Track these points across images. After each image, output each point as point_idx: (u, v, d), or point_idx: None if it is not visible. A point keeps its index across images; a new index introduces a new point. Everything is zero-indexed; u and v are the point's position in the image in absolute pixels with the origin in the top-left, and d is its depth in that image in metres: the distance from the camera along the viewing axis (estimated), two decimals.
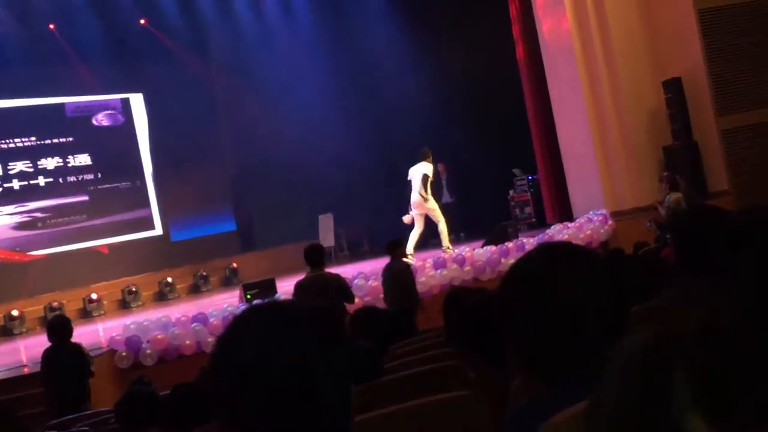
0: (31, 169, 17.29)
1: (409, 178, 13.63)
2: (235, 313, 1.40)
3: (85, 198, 17.81)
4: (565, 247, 1.69)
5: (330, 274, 8.62)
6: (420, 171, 13.42)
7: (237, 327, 1.36)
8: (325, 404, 1.28)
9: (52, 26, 17.04)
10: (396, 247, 9.97)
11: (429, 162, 13.52)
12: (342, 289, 8.49)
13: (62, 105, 17.85)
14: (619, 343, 0.71)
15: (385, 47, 17.71)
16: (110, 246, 17.73)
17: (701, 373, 0.62)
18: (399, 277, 9.68)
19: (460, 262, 11.92)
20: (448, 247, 13.38)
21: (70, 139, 17.86)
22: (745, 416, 0.60)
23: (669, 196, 11.80)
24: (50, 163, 17.53)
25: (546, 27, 15.49)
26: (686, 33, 13.80)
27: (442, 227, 13.54)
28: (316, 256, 8.48)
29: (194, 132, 17.99)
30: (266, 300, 1.45)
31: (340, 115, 17.83)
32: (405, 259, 10.69)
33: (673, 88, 13.98)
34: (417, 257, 13.03)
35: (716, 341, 0.62)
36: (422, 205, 13.44)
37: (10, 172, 17.05)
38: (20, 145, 17.32)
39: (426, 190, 13.38)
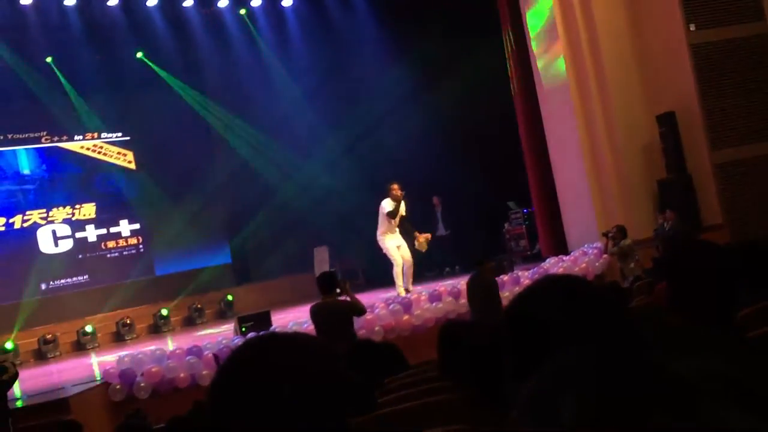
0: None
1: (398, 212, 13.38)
2: (232, 346, 1.40)
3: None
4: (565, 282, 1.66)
5: (339, 300, 9.29)
6: (381, 206, 13.23)
7: (237, 358, 1.37)
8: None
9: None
10: (484, 262, 10.76)
11: (390, 197, 13.13)
12: (351, 306, 9.20)
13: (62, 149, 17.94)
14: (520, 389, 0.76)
15: (380, 80, 17.78)
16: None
17: (585, 395, 0.66)
18: (485, 289, 10.44)
19: (455, 294, 11.92)
20: (402, 291, 12.99)
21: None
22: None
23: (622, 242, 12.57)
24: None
25: (541, 62, 15.61)
26: (679, 67, 13.92)
27: (396, 270, 13.15)
28: (328, 284, 9.11)
29: (189, 165, 17.99)
30: (263, 332, 1.43)
31: (335, 148, 17.88)
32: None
33: (667, 122, 14.06)
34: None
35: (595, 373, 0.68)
36: (381, 243, 13.26)
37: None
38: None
39: (378, 227, 13.22)
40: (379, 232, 13.19)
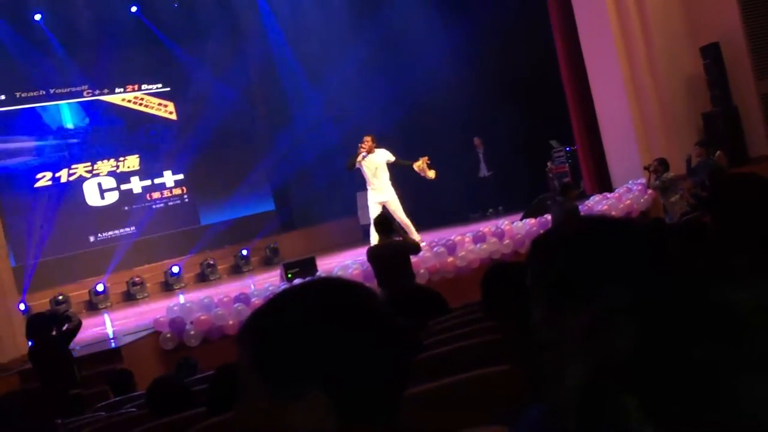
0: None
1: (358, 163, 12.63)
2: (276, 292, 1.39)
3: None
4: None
5: (397, 239, 9.31)
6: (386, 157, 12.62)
7: (276, 303, 1.36)
8: (370, 369, 1.29)
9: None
10: (569, 189, 11.48)
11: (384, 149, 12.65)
12: (409, 245, 9.26)
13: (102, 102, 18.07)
14: (555, 385, 0.74)
15: (419, 21, 17.64)
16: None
17: (648, 392, 0.65)
18: (568, 215, 10.61)
19: (500, 235, 11.89)
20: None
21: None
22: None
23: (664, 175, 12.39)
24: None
25: None
26: None
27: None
28: (385, 225, 9.23)
29: (230, 114, 18.01)
30: (304, 281, 1.43)
31: (376, 92, 17.76)
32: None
33: (711, 54, 13.79)
34: (454, 232, 12.98)
35: (654, 363, 0.66)
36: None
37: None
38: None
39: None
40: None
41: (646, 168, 12.86)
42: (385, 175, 12.50)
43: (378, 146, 12.52)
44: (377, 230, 9.24)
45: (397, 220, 12.09)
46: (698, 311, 0.67)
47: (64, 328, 8.42)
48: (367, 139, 12.47)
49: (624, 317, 0.70)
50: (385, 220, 9.36)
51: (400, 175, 17.79)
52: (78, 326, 8.62)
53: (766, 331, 0.65)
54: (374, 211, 12.07)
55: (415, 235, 12.18)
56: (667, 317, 0.68)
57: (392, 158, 12.54)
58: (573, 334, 0.74)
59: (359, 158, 12.35)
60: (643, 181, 13.34)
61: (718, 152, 12.87)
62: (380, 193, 12.49)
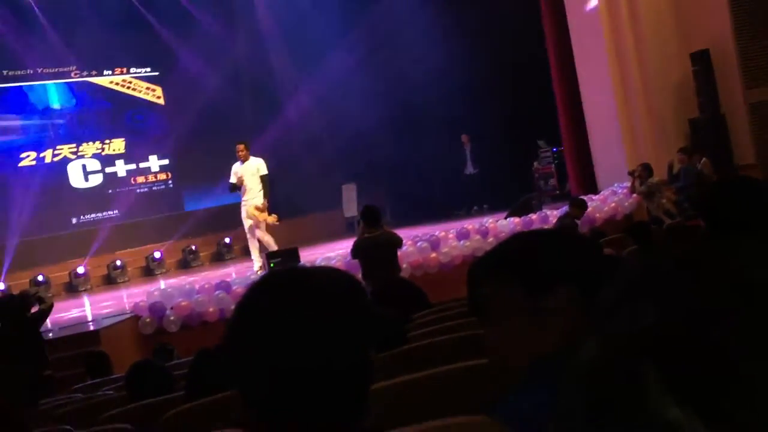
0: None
1: (239, 176, 12.02)
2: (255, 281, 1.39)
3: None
4: None
5: (385, 231, 9.24)
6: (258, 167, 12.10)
7: (252, 298, 1.35)
8: (339, 376, 1.28)
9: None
10: (575, 205, 11.50)
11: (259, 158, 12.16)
12: (396, 237, 9.15)
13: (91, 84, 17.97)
14: (573, 358, 0.73)
15: (409, 18, 17.60)
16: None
17: (669, 363, 0.64)
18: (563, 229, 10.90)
19: (483, 233, 11.91)
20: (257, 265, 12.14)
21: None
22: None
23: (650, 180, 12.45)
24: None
25: None
26: (715, 4, 13.64)
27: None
28: (375, 217, 9.06)
29: (218, 101, 17.93)
30: (284, 268, 1.43)
31: (363, 85, 17.74)
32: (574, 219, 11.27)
33: (701, 60, 13.83)
34: (438, 228, 13.00)
35: (675, 334, 0.65)
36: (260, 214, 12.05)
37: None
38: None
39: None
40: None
41: (630, 173, 12.91)
42: (256, 185, 12.03)
43: (255, 155, 12.16)
44: (367, 221, 9.03)
45: (258, 235, 12.00)
46: (729, 286, 0.67)
47: (35, 309, 8.37)
48: (240, 147, 12.07)
49: (647, 296, 0.69)
50: (376, 211, 9.23)
51: (382, 171, 17.84)
52: (50, 308, 8.58)
53: None
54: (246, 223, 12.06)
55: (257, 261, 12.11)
56: (689, 297, 0.67)
57: (264, 171, 12.10)
58: (594, 310, 0.73)
59: (234, 170, 11.97)
60: (628, 184, 13.40)
61: (704, 159, 12.92)
62: (248, 206, 12.07)
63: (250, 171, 11.97)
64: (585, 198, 13.75)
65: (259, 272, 11.72)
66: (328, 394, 1.27)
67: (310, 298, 1.30)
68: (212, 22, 18.35)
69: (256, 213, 11.93)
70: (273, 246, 11.92)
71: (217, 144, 18.06)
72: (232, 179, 12.00)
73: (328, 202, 18.41)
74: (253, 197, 11.96)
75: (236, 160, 12.16)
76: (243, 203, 12.14)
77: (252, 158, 12.08)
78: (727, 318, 0.65)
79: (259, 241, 12.10)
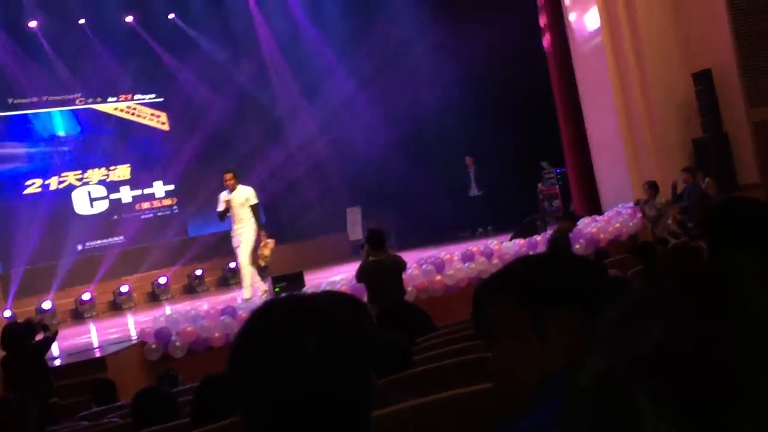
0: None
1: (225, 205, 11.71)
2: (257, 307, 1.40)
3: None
4: None
5: (390, 255, 9.24)
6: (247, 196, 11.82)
7: (254, 323, 1.36)
8: (341, 402, 1.28)
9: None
10: (566, 218, 12.14)
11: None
12: (400, 261, 9.13)
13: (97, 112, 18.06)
14: (573, 379, 0.74)
15: (412, 40, 17.67)
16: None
17: (664, 393, 0.65)
18: (557, 243, 11.04)
19: (488, 255, 11.89)
20: (247, 292, 11.89)
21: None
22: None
23: (656, 200, 12.53)
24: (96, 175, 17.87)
25: (574, 17, 15.40)
26: (717, 24, 13.66)
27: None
28: (380, 240, 9.05)
29: (222, 127, 18.00)
30: (287, 294, 1.44)
31: (367, 109, 17.80)
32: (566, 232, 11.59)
33: (703, 80, 13.84)
34: (443, 250, 12.99)
35: (673, 363, 0.66)
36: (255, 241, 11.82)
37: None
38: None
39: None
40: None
41: (636, 203, 12.92)
42: (246, 214, 11.76)
43: (244, 183, 11.91)
44: (372, 245, 8.97)
45: (241, 263, 11.84)
46: (724, 312, 0.67)
47: (40, 337, 8.37)
48: (227, 176, 11.81)
49: (651, 315, 0.70)
50: (382, 234, 9.23)
51: (387, 194, 17.85)
52: (54, 335, 8.57)
53: None
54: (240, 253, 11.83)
55: (247, 289, 11.88)
56: (693, 317, 0.68)
57: (254, 201, 11.85)
58: (597, 329, 0.74)
59: (223, 198, 11.68)
60: (633, 204, 13.40)
61: (708, 179, 12.92)
62: (238, 235, 11.83)
63: (239, 201, 11.67)
64: (589, 218, 13.77)
65: (263, 296, 11.61)
66: (330, 421, 1.27)
67: (311, 323, 1.30)
68: (216, 49, 18.45)
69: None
70: (247, 281, 11.84)
71: (222, 169, 18.12)
72: (221, 207, 11.67)
73: (333, 225, 18.43)
74: (243, 227, 11.70)
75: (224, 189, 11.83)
76: (233, 233, 11.87)
77: (240, 187, 11.77)
78: (729, 337, 0.65)
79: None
